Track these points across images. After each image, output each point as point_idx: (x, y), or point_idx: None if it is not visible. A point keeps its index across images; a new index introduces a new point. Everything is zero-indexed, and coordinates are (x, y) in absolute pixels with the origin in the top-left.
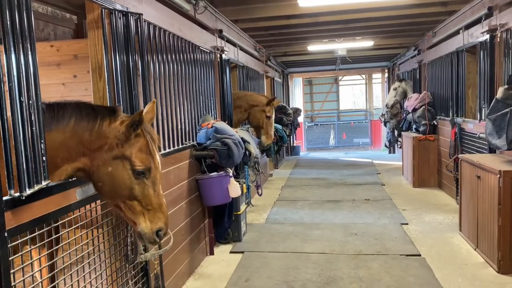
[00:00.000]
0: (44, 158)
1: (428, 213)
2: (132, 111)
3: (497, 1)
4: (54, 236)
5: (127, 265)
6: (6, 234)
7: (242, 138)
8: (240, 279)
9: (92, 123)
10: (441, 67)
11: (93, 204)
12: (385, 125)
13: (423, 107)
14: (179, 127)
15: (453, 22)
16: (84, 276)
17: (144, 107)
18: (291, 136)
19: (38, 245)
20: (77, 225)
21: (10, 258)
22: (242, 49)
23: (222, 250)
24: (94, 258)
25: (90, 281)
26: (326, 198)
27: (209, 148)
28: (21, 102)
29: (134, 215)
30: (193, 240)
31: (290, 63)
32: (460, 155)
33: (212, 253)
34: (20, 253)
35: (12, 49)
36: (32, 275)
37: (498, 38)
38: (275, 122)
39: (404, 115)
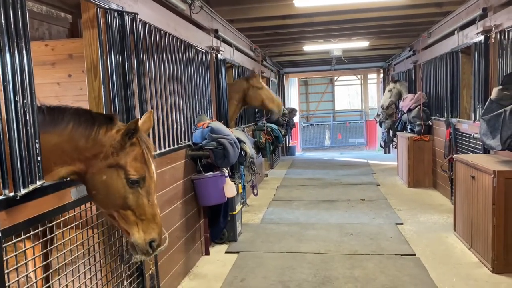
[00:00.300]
0: (39, 158)
1: (423, 213)
2: (128, 112)
3: (492, 2)
4: (48, 236)
5: (122, 265)
6: (0, 234)
7: (237, 138)
8: (236, 279)
9: (89, 130)
10: (436, 68)
11: (88, 204)
12: (380, 125)
13: (418, 107)
14: (175, 126)
15: (448, 23)
16: (79, 276)
17: (139, 107)
18: (287, 136)
19: (32, 245)
20: (72, 225)
21: (4, 258)
22: (237, 49)
23: (218, 250)
24: (89, 258)
25: (85, 281)
26: (322, 198)
27: (204, 148)
28: (15, 102)
29: (128, 225)
30: (188, 240)
31: (286, 63)
32: (454, 155)
33: (207, 253)
34: (14, 253)
35: (7, 48)
36: (27, 275)
37: (493, 39)
38: (271, 123)
39: (399, 115)
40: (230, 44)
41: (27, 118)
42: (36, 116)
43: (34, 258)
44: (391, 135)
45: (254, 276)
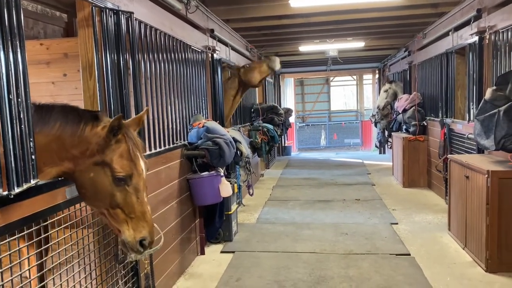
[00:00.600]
0: (33, 157)
1: (417, 213)
2: (123, 110)
3: (486, 3)
4: (43, 236)
5: (117, 265)
6: None
7: (233, 138)
8: (231, 279)
9: (76, 127)
10: (431, 68)
11: (82, 203)
12: (375, 125)
13: (413, 108)
14: (170, 126)
15: (443, 24)
16: (73, 276)
17: (134, 107)
18: (283, 136)
19: (26, 244)
20: (66, 224)
21: None
22: (233, 49)
23: (213, 250)
24: (84, 258)
25: (80, 281)
26: (317, 198)
27: (200, 147)
28: (9, 100)
29: (118, 223)
30: (184, 240)
31: (282, 64)
32: (449, 155)
33: (203, 252)
34: (8, 252)
35: (1, 46)
36: (21, 274)
37: (487, 40)
38: (267, 123)
39: (394, 115)
40: (226, 44)
41: (21, 116)
42: (31, 115)
43: (28, 258)
44: (386, 136)
45: (250, 275)
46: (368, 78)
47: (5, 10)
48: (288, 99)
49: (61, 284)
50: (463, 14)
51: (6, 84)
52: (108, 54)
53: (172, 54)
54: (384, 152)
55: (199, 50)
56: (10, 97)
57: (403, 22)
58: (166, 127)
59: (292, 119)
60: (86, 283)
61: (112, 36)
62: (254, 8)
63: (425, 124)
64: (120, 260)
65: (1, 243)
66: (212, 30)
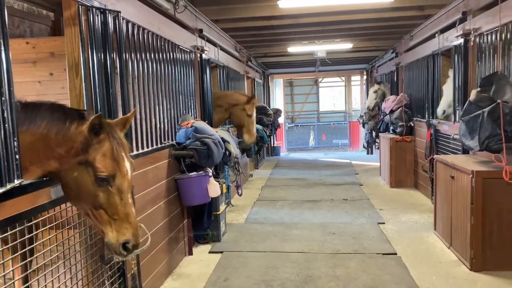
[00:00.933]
0: (17, 156)
1: (404, 212)
2: (110, 110)
3: (471, 6)
4: (27, 236)
5: (103, 265)
6: None
7: (222, 138)
8: (219, 279)
9: (61, 126)
10: (417, 70)
11: (68, 204)
12: (363, 126)
13: (400, 109)
14: (158, 126)
15: (429, 26)
16: (58, 277)
17: (122, 106)
18: (272, 137)
19: (10, 244)
20: (51, 224)
21: None
22: (222, 49)
23: (201, 250)
24: (69, 259)
25: (65, 282)
26: (306, 198)
27: (188, 147)
28: None
29: (102, 224)
30: (171, 240)
31: (271, 64)
32: (435, 156)
33: (191, 253)
34: None
35: None
36: (4, 276)
37: (472, 42)
38: (256, 123)
39: (382, 116)
40: (214, 44)
41: (5, 115)
42: (15, 114)
43: (12, 258)
44: (373, 136)
45: (238, 275)
46: (356, 79)
47: None
48: (278, 99)
49: (45, 285)
50: (448, 16)
51: None
52: (95, 53)
53: (160, 54)
54: (371, 153)
55: (188, 50)
56: None
57: (390, 24)
58: (154, 127)
59: (281, 120)
60: (71, 284)
61: (99, 35)
62: (242, 9)
63: (412, 125)
64: (106, 260)
65: None
66: (200, 30)
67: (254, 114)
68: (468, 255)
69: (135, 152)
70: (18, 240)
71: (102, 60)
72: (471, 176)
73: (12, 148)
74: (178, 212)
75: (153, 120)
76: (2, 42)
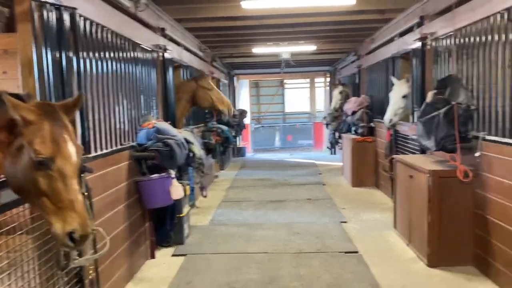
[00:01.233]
0: None
1: (366, 211)
2: None
3: (428, 11)
4: None
5: (59, 272)
6: None
7: (185, 139)
8: (182, 282)
9: (1, 111)
10: (378, 72)
11: (20, 208)
12: (327, 127)
13: (362, 110)
14: (118, 127)
15: (389, 30)
16: (9, 285)
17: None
18: (237, 138)
19: None
20: (2, 230)
21: None
22: (186, 48)
23: (164, 254)
24: (22, 265)
25: None
26: (271, 199)
27: (150, 149)
28: None
29: (47, 214)
30: (132, 244)
31: (236, 65)
32: (394, 155)
33: (153, 256)
34: None
35: None
36: None
37: (429, 46)
38: (221, 123)
39: (344, 117)
40: (178, 44)
41: None
42: None
43: None
44: (337, 137)
45: (201, 278)
46: (320, 81)
47: None
48: (243, 100)
49: None
50: (407, 20)
51: None
52: (49, 51)
53: (120, 53)
54: (335, 153)
55: (150, 49)
56: None
57: (353, 27)
58: (113, 127)
59: (247, 121)
60: None
61: (54, 32)
62: (206, 8)
63: (373, 125)
64: (62, 266)
65: None
66: (163, 29)
67: (214, 86)
68: (425, 252)
69: (93, 154)
70: None
71: (58, 58)
72: (428, 175)
73: None
74: (139, 215)
75: (112, 120)
76: None
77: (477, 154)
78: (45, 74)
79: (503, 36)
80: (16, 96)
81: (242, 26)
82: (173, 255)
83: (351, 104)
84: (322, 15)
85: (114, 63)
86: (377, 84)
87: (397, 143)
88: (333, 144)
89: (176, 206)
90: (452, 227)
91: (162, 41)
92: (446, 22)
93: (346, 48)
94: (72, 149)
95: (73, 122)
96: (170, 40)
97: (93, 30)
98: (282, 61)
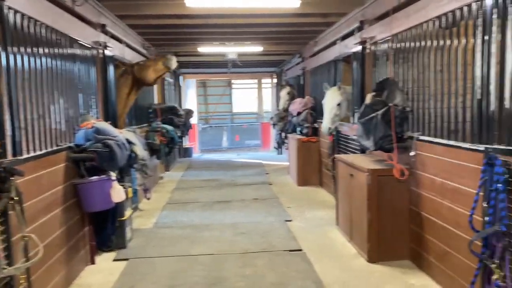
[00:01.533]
0: None
1: (310, 210)
2: None
3: (367, 16)
4: None
5: None
6: None
7: (127, 140)
8: (124, 287)
9: None
10: (321, 74)
11: None
12: (274, 127)
13: (306, 111)
14: (54, 127)
15: (332, 33)
16: None
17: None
18: (183, 138)
19: None
20: None
21: None
22: (129, 46)
23: (105, 258)
24: None
25: None
26: (217, 199)
27: (88, 150)
28: None
29: None
30: (70, 250)
31: (182, 64)
32: (336, 155)
33: (93, 262)
34: None
35: None
36: None
37: (368, 50)
38: (166, 124)
39: (290, 118)
40: (120, 41)
41: None
42: None
43: None
44: (283, 137)
45: (144, 282)
46: (267, 81)
47: None
48: (190, 100)
49: None
50: (348, 24)
51: None
52: None
53: (56, 49)
54: (281, 153)
55: (89, 46)
56: None
57: (297, 30)
58: (48, 127)
59: (194, 120)
60: None
61: None
62: (149, 6)
63: (317, 126)
64: None
65: None
66: (104, 25)
67: (146, 62)
68: (365, 248)
69: (25, 156)
70: None
71: None
72: (367, 174)
73: None
74: (78, 219)
75: (47, 120)
76: None
77: (412, 154)
78: None
79: (435, 42)
80: None
81: (187, 25)
82: (115, 260)
83: (296, 105)
84: (267, 16)
85: (49, 60)
86: (321, 86)
87: (339, 143)
88: (280, 144)
89: (117, 209)
90: (390, 224)
91: (102, 38)
92: (384, 27)
93: (291, 50)
94: None
95: (2, 122)
96: (112, 37)
97: (25, 24)
98: (228, 61)
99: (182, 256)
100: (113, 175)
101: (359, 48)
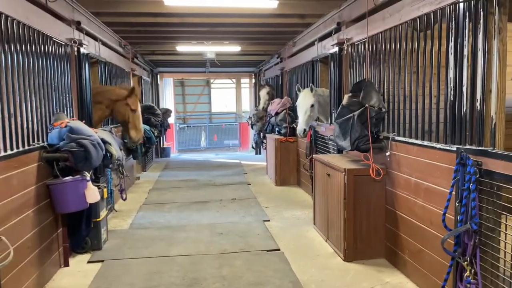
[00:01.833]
0: None
1: (288, 209)
2: None
3: (344, 18)
4: None
5: None
6: None
7: (102, 139)
8: None
9: None
10: (299, 75)
11: None
12: (252, 127)
13: (284, 111)
14: (25, 126)
15: (310, 34)
16: None
17: None
18: (161, 137)
19: None
20: None
21: None
22: (104, 44)
23: (79, 260)
24: None
25: None
26: (195, 200)
27: (62, 149)
28: None
29: None
30: (43, 252)
31: (159, 63)
32: (314, 155)
33: (67, 264)
34: None
35: None
36: None
37: (345, 51)
38: (143, 123)
39: (268, 118)
40: (95, 38)
41: None
42: None
43: None
44: (261, 137)
45: (119, 284)
46: (245, 81)
47: None
48: (168, 99)
49: None
50: (326, 26)
51: None
52: None
53: (29, 46)
54: (260, 153)
55: (63, 43)
56: None
57: (275, 30)
58: (19, 126)
59: (172, 120)
60: None
61: None
62: (126, 3)
63: (295, 126)
64: None
65: None
66: (78, 22)
67: (139, 109)
68: (342, 247)
69: None
70: None
71: None
72: (343, 173)
73: None
74: (51, 220)
75: (18, 119)
76: None
77: (387, 154)
78: None
79: (409, 44)
80: None
81: (165, 23)
82: (89, 262)
83: (275, 105)
84: (245, 16)
85: (20, 57)
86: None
87: (317, 143)
88: (258, 144)
89: (92, 210)
90: (366, 223)
91: (77, 35)
92: (360, 29)
93: (270, 50)
94: None
95: None
96: (87, 34)
97: None
98: (207, 61)
99: (158, 257)
100: (88, 175)
101: (336, 49)
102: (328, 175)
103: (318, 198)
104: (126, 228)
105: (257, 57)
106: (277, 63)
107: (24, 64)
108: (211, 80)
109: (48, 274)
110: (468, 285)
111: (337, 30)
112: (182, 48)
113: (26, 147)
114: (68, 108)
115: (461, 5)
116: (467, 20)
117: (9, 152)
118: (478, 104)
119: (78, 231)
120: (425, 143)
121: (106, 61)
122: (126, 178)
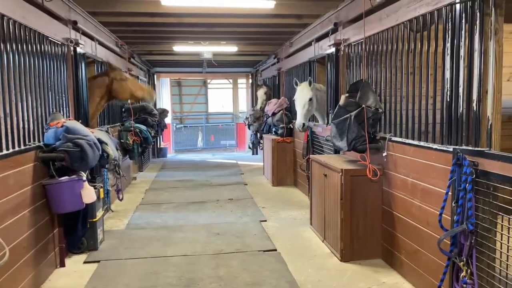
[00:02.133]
0: None
1: (284, 210)
2: None
3: (341, 18)
4: None
5: None
6: None
7: (98, 139)
8: None
9: None
10: (296, 75)
11: None
12: (248, 127)
13: (281, 111)
14: (22, 125)
15: (307, 34)
16: None
17: None
18: (158, 138)
19: None
20: None
21: None
22: (101, 43)
23: (75, 261)
24: None
25: None
26: (191, 200)
27: (58, 149)
28: None
29: None
30: (39, 252)
31: (156, 63)
32: (311, 155)
33: (63, 264)
34: None
35: None
36: None
37: (342, 52)
38: (140, 123)
39: (265, 118)
40: (92, 38)
41: None
42: None
43: None
44: (258, 137)
45: (115, 285)
46: (242, 82)
47: None
48: (165, 99)
49: None
50: (323, 26)
51: None
52: None
53: (25, 45)
54: (256, 153)
55: (59, 43)
56: None
57: (272, 30)
58: (15, 126)
59: (168, 120)
60: None
61: None
62: (123, 3)
63: (292, 127)
64: None
65: None
66: (75, 22)
67: (129, 76)
68: (338, 247)
69: None
70: None
71: None
72: (340, 174)
73: None
74: (47, 220)
75: (14, 118)
76: None
77: (384, 154)
78: None
79: (406, 45)
80: None
81: (161, 23)
82: (85, 262)
83: (272, 106)
84: (242, 16)
85: (17, 56)
86: (296, 87)
87: (314, 143)
88: (255, 145)
89: (88, 210)
90: (362, 223)
91: (73, 35)
92: (357, 29)
93: (267, 50)
94: None
95: None
96: (83, 33)
97: None
98: (204, 61)
99: (155, 257)
100: (84, 175)
101: (333, 50)
102: (325, 175)
103: (315, 199)
104: (122, 228)
105: (254, 57)
106: (274, 64)
107: (20, 64)
108: (208, 80)
109: (44, 274)
110: (464, 285)
111: (334, 30)
112: (179, 48)
113: (22, 147)
114: (64, 108)
115: (458, 6)
116: (463, 21)
117: (5, 152)
118: (474, 104)
119: (74, 232)
120: (422, 143)
121: (102, 60)
122: (122, 178)
